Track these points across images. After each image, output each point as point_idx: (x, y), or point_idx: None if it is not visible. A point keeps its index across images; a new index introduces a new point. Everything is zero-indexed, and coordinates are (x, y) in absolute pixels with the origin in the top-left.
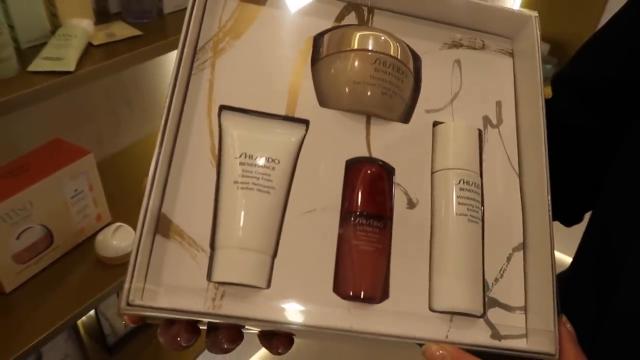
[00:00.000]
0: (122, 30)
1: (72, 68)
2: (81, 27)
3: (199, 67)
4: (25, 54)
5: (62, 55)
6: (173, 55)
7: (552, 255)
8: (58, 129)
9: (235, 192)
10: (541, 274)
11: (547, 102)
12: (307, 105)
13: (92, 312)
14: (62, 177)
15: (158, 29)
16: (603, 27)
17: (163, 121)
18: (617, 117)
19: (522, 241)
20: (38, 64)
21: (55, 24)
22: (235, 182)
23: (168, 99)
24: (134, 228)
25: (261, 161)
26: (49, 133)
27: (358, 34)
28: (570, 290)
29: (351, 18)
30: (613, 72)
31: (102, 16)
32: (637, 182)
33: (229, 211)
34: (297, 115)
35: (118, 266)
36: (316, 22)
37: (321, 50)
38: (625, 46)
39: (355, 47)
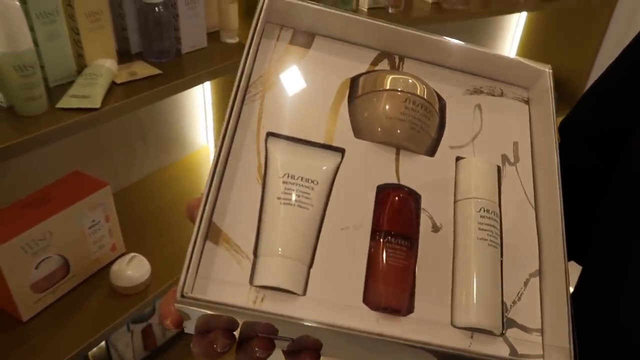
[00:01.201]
0: (143, 69)
1: (98, 105)
2: (106, 66)
3: (251, 99)
4: (54, 92)
5: (88, 93)
6: (188, 92)
7: (567, 281)
8: (76, 162)
9: (277, 207)
10: (557, 298)
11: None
12: (344, 136)
13: (102, 343)
14: (81, 208)
15: (176, 68)
16: (602, 75)
17: (220, 143)
18: (620, 157)
19: (538, 268)
20: (66, 102)
21: (82, 64)
22: (278, 197)
23: (225, 124)
24: (148, 258)
25: (301, 181)
26: (68, 166)
27: (390, 77)
28: (580, 301)
29: (384, 64)
30: (611, 121)
31: (124, 56)
32: (636, 196)
33: (272, 223)
34: (334, 144)
35: (131, 296)
36: (353, 65)
37: (357, 90)
38: (620, 96)
39: (388, 87)
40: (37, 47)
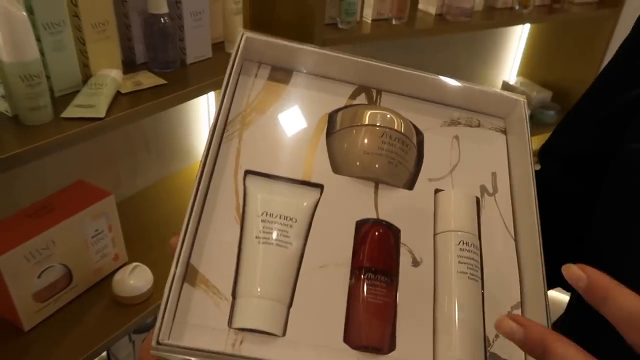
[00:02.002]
0: (148, 79)
1: (102, 115)
2: (111, 76)
3: (229, 137)
4: (59, 102)
5: (93, 102)
6: (192, 102)
7: (548, 311)
8: (80, 171)
9: (256, 247)
10: None
11: (536, 172)
12: (322, 172)
13: (104, 353)
14: (84, 218)
15: (181, 78)
16: (579, 100)
17: (196, 182)
18: (599, 180)
19: (519, 300)
20: (71, 111)
21: (87, 73)
22: (257, 237)
23: (201, 163)
24: (150, 268)
25: (280, 219)
26: (71, 174)
27: (368, 112)
28: (566, 334)
29: (362, 98)
30: (588, 144)
31: (129, 66)
32: (626, 213)
33: (250, 263)
34: (313, 180)
35: (133, 306)
36: (331, 100)
37: (335, 125)
38: (592, 119)
39: (366, 122)
40: (44, 57)
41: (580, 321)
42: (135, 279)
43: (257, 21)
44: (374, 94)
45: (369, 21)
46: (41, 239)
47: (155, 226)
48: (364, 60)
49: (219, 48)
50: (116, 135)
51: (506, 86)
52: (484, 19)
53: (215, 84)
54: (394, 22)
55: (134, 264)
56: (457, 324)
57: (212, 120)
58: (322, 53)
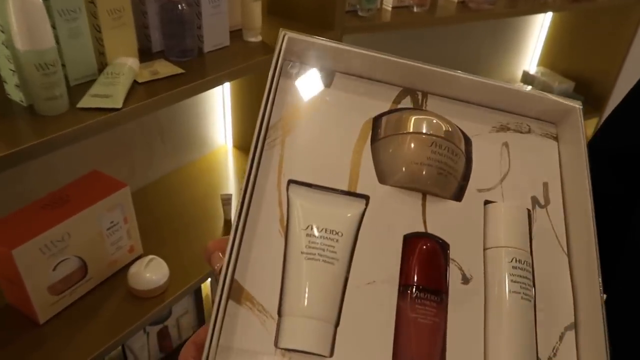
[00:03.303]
0: (165, 68)
1: (119, 105)
2: (128, 65)
3: (271, 144)
4: (74, 91)
5: (110, 92)
6: (209, 92)
7: (605, 333)
8: (94, 161)
9: (301, 262)
10: (595, 353)
11: None
12: (368, 181)
13: (119, 347)
14: (100, 209)
15: (198, 67)
16: (626, 96)
17: (242, 193)
18: None
19: (573, 320)
20: (87, 101)
21: (103, 62)
22: (302, 252)
23: (247, 173)
24: (165, 259)
25: (326, 233)
26: (86, 165)
27: (414, 118)
28: None
29: (407, 101)
30: (633, 141)
31: (145, 54)
32: None
33: (296, 280)
34: (358, 190)
35: (149, 299)
36: (375, 104)
37: (380, 132)
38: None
39: (412, 130)
40: (59, 45)
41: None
42: (152, 272)
43: (276, 8)
44: (420, 97)
45: (390, 9)
46: (56, 231)
47: (170, 217)
48: (409, 62)
49: (237, 36)
50: (131, 125)
51: (526, 76)
52: (507, 7)
53: (233, 74)
54: (415, 9)
55: (150, 256)
56: (509, 346)
57: (256, 124)
58: (366, 54)
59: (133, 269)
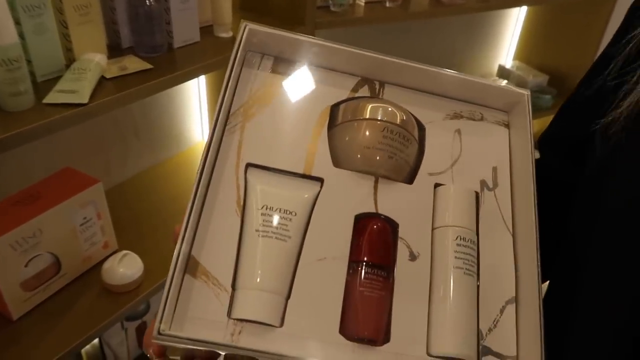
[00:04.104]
0: (133, 63)
1: (85, 100)
2: (95, 61)
3: (231, 130)
4: (41, 87)
5: (76, 88)
6: (181, 87)
7: (541, 308)
8: (68, 158)
9: (256, 239)
10: (531, 325)
11: (536, 160)
12: (323, 165)
13: (96, 340)
14: (72, 205)
15: (168, 63)
16: (575, 89)
17: (198, 174)
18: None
19: (514, 295)
20: (53, 97)
21: (70, 58)
22: (257, 230)
23: (203, 156)
24: (140, 256)
25: (280, 213)
26: (59, 162)
27: (369, 105)
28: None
29: (364, 90)
30: (577, 130)
31: (114, 50)
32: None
33: (250, 256)
34: (313, 174)
35: (124, 294)
36: (334, 92)
37: (337, 118)
38: (581, 105)
39: (367, 116)
40: (24, 41)
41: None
42: (125, 266)
43: (248, 4)
44: (377, 87)
45: (363, 4)
46: (27, 227)
47: (146, 214)
48: (367, 53)
49: (208, 32)
50: (105, 122)
51: (502, 70)
52: (479, 2)
53: (203, 68)
54: (387, 4)
55: (124, 251)
56: (451, 317)
57: (215, 110)
58: (325, 45)
59: (107, 264)
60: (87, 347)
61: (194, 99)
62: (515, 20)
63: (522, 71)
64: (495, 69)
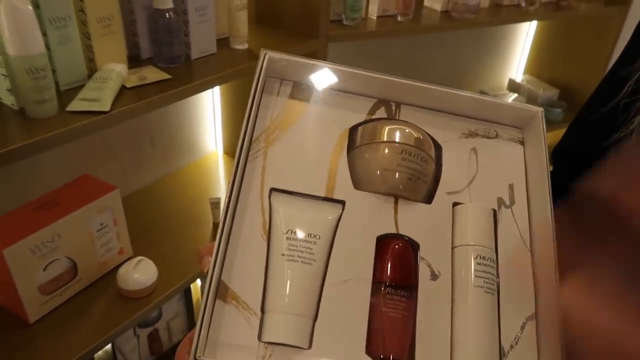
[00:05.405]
0: (152, 74)
1: (107, 108)
2: (116, 71)
3: (254, 155)
4: (64, 96)
5: (98, 96)
6: (196, 97)
7: (560, 323)
8: (85, 166)
9: (282, 264)
10: (551, 341)
11: (550, 173)
12: (344, 187)
13: (108, 346)
14: (90, 211)
15: (186, 73)
16: (586, 103)
17: (226, 201)
18: None
19: (534, 311)
20: (76, 105)
21: (92, 68)
22: (283, 254)
23: (231, 182)
24: (155, 262)
25: (304, 236)
26: (77, 169)
27: (387, 128)
28: None
29: (381, 112)
30: (588, 145)
31: (134, 61)
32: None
33: (277, 280)
34: (335, 196)
35: (138, 299)
36: (352, 115)
37: (356, 141)
38: (592, 120)
39: (385, 139)
40: (49, 51)
41: None
42: (140, 272)
43: (262, 17)
44: (393, 108)
45: (374, 18)
46: (47, 232)
47: (160, 221)
48: (382, 76)
49: (224, 44)
50: (122, 131)
51: (512, 84)
52: (490, 16)
53: (219, 79)
54: (399, 18)
55: (139, 257)
56: (473, 336)
57: (239, 137)
58: (342, 70)
59: (122, 270)
60: (100, 352)
61: (208, 109)
62: (525, 34)
63: (533, 85)
64: (506, 82)
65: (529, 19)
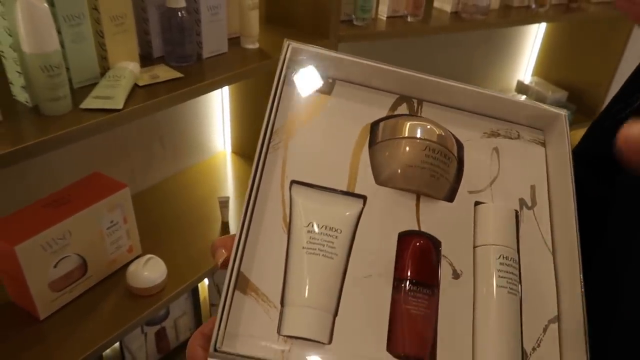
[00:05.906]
0: (164, 72)
1: (120, 106)
2: (128, 69)
3: (275, 147)
4: (78, 93)
5: (111, 94)
6: (205, 97)
7: (585, 326)
8: (95, 164)
9: (302, 257)
10: (575, 344)
11: None
12: (365, 182)
13: (116, 344)
14: (100, 209)
15: (197, 72)
16: (606, 107)
17: (248, 192)
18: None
19: (557, 314)
20: (90, 102)
21: (105, 66)
22: (303, 247)
23: (252, 173)
24: (164, 260)
25: (326, 230)
26: (87, 167)
27: (409, 123)
28: None
29: (403, 108)
30: (604, 147)
31: (146, 60)
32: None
33: (297, 273)
34: (356, 191)
35: (147, 297)
36: (373, 110)
37: (377, 136)
38: (609, 123)
39: (407, 135)
40: (63, 49)
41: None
42: (149, 270)
43: (273, 17)
44: (415, 105)
45: (384, 18)
46: (58, 229)
47: (169, 219)
48: (405, 72)
49: (235, 43)
50: (132, 129)
51: (521, 85)
52: (499, 17)
53: (230, 79)
54: (409, 19)
55: (148, 255)
56: (495, 337)
57: (261, 129)
58: (366, 64)
59: (131, 268)
60: (108, 350)
61: (217, 109)
62: (534, 36)
63: (541, 87)
64: (514, 84)
65: (539, 21)
